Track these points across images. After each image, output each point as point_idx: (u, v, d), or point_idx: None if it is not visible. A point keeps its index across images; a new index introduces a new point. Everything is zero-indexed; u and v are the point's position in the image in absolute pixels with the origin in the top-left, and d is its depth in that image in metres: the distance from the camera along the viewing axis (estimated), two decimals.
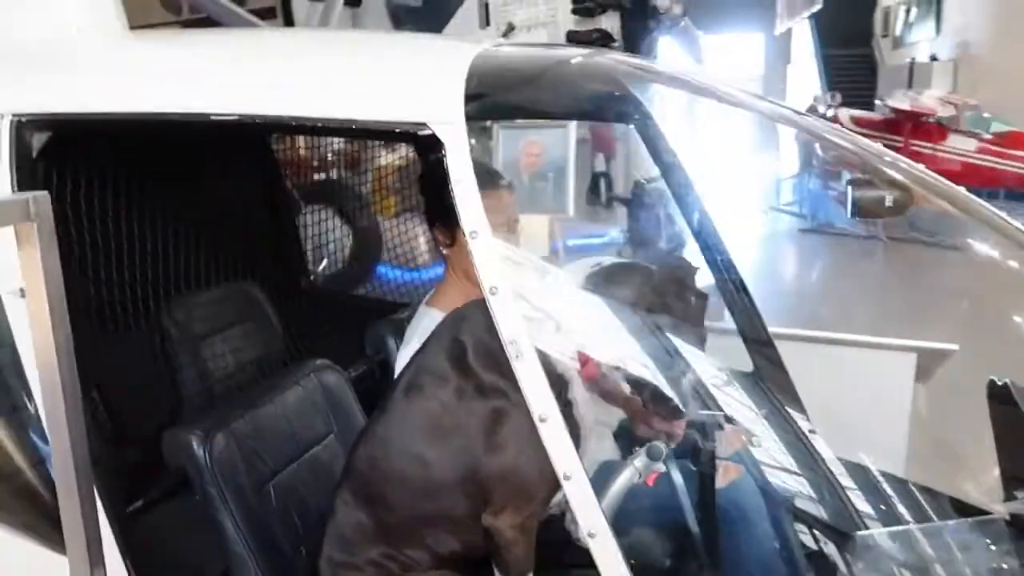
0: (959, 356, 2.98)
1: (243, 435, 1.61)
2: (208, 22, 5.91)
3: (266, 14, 6.79)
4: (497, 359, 1.32)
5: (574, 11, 6.29)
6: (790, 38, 20.02)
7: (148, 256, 2.34)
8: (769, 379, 2.55)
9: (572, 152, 6.24)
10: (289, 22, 6.55)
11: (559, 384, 1.43)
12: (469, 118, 1.19)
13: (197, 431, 1.53)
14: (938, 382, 3.07)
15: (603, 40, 6.34)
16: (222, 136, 1.86)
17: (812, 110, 16.37)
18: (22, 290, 1.16)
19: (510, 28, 6.58)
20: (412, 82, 1.25)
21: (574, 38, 6.40)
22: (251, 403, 1.71)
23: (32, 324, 1.10)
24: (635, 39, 6.43)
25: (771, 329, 3.90)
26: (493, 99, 1.30)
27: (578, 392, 1.46)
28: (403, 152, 4.34)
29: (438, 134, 1.16)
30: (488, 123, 1.45)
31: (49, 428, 1.16)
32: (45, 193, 1.10)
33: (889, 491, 1.70)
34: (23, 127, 1.34)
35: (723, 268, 2.52)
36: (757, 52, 21.15)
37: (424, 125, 1.18)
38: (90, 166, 1.85)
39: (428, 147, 1.21)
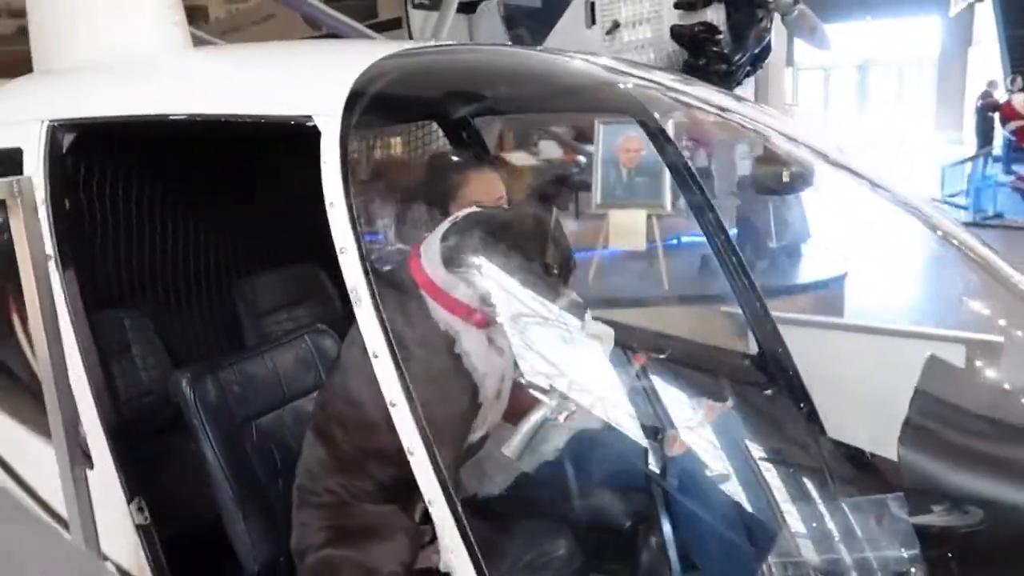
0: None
1: (230, 380, 1.93)
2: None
3: (391, 25, 7.31)
4: None
5: (677, 5, 6.26)
6: (972, 18, 18.35)
7: (223, 238, 2.70)
8: (771, 362, 2.59)
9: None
10: (410, 32, 7.00)
11: (445, 340, 1.62)
12: (350, 111, 1.42)
13: (188, 373, 1.87)
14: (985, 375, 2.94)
15: (707, 33, 6.28)
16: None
17: (986, 96, 14.95)
18: None
19: (615, 26, 6.67)
20: (308, 81, 1.50)
21: (678, 32, 6.38)
22: (244, 355, 2.03)
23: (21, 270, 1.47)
24: (742, 31, 6.30)
25: (826, 319, 3.82)
26: (383, 96, 1.50)
27: (467, 344, 1.64)
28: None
29: (319, 124, 1.40)
30: (371, 118, 1.58)
31: (36, 347, 1.54)
32: (29, 177, 1.46)
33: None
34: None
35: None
36: (932, 35, 19.52)
37: (309, 117, 1.42)
38: (144, 162, 2.25)
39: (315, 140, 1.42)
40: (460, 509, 1.31)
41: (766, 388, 2.53)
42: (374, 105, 1.48)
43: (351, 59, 1.54)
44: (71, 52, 2.10)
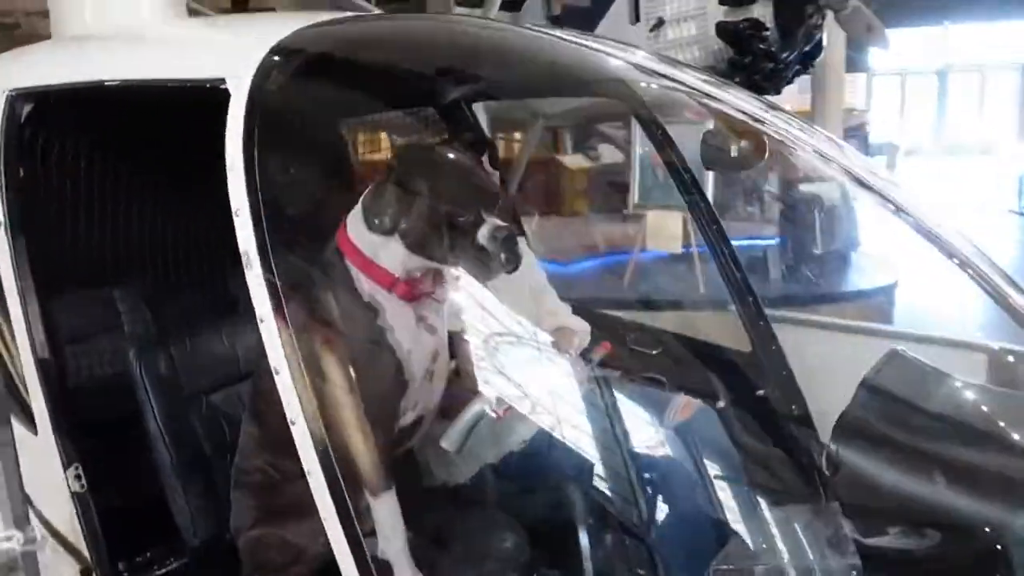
0: None
1: (183, 354, 1.93)
2: None
3: None
4: None
5: (723, 1, 6.10)
6: None
7: (196, 213, 2.58)
8: (766, 359, 2.48)
9: None
10: None
11: (368, 314, 1.56)
12: (262, 75, 1.38)
13: (138, 345, 1.87)
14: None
15: (753, 29, 6.08)
16: None
17: None
18: None
19: (659, 23, 6.54)
20: (235, 47, 1.47)
21: (723, 29, 6.21)
22: (201, 330, 2.02)
23: None
24: (790, 28, 6.08)
25: (847, 322, 3.63)
26: (300, 64, 1.46)
27: (391, 318, 1.57)
28: None
29: (229, 87, 1.37)
30: (281, 83, 1.52)
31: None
32: None
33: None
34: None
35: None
36: (1017, 40, 18.56)
37: (223, 80, 1.39)
38: (105, 134, 2.22)
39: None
40: (342, 484, 1.25)
41: (756, 387, 2.41)
42: (295, 72, 1.44)
43: (283, 27, 1.51)
44: (81, 25, 2.12)
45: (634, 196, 6.24)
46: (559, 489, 1.84)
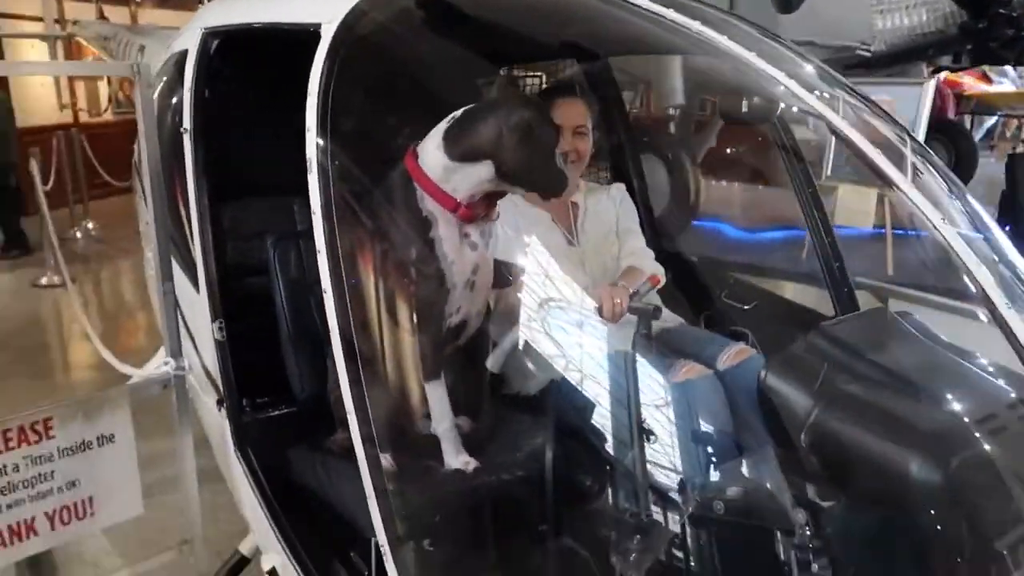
0: None
1: (302, 250, 2.38)
2: None
3: None
4: None
5: None
6: None
7: None
8: None
9: (925, 116, 5.58)
10: None
11: (423, 224, 1.88)
12: (350, 23, 1.73)
13: (273, 239, 2.36)
14: None
15: None
16: None
17: None
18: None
19: None
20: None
21: None
22: None
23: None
24: None
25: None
26: (384, 17, 1.76)
27: (441, 230, 1.88)
28: None
29: (321, 32, 1.73)
30: (364, 31, 1.79)
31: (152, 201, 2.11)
32: (147, 63, 2.00)
33: None
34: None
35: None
36: None
37: (319, 25, 1.75)
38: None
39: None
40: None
41: None
42: (378, 22, 1.77)
43: None
44: None
45: (827, 168, 5.90)
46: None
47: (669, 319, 2.52)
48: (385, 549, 1.53)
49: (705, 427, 2.00)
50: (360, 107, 1.79)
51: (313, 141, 1.65)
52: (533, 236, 2.32)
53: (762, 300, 2.72)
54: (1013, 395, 1.31)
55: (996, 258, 1.40)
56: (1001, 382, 1.34)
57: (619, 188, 2.71)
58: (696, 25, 1.67)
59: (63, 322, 6.41)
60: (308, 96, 1.68)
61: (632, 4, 1.75)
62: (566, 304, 2.07)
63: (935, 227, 1.28)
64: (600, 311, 2.08)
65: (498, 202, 2.15)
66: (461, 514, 1.88)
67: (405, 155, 1.90)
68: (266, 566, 2.15)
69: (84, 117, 11.54)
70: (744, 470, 1.55)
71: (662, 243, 2.96)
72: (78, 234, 9.53)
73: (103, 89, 11.88)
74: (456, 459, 2.01)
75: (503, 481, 1.94)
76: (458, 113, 1.87)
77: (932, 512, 1.26)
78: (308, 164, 1.65)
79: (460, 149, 1.85)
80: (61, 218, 9.11)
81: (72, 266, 7.87)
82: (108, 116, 11.66)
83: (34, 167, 6.88)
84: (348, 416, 1.59)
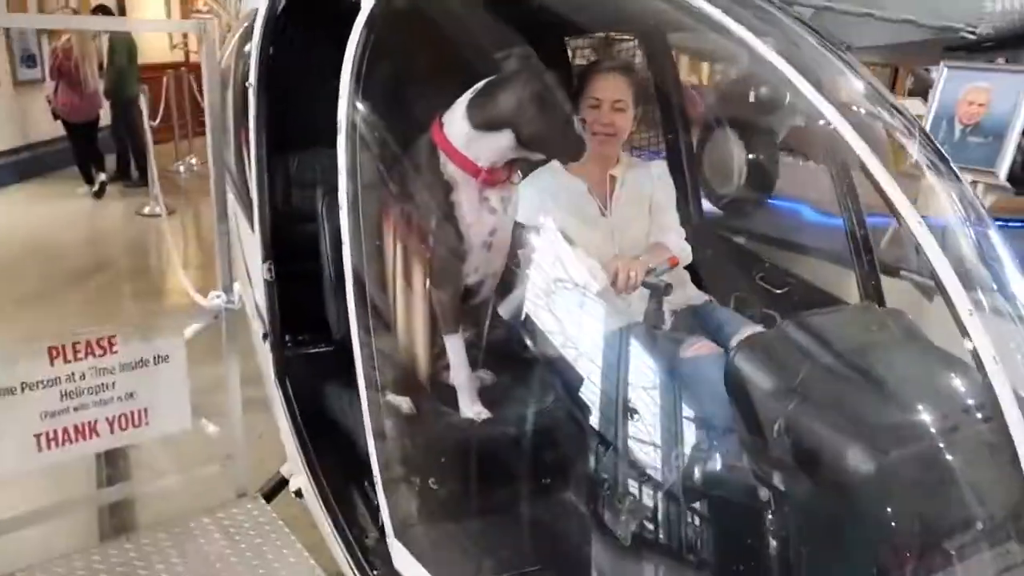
0: None
1: None
2: None
3: None
4: None
5: None
6: None
7: None
8: None
9: None
10: None
11: (445, 188, 2.01)
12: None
13: (322, 190, 2.54)
14: None
15: None
16: None
17: None
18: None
19: None
20: None
21: None
22: None
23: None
24: None
25: None
26: None
27: (461, 194, 2.00)
28: None
29: (361, 4, 1.86)
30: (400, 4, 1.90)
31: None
32: (213, 20, 2.17)
33: None
34: None
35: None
36: None
37: None
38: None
39: None
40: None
41: None
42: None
43: None
44: None
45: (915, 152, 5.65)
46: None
47: (696, 297, 2.58)
48: (378, 484, 1.70)
49: (706, 404, 2.08)
50: (391, 77, 1.92)
51: (345, 106, 1.80)
52: (567, 204, 2.43)
53: (795, 285, 2.73)
54: (973, 400, 1.34)
55: (976, 256, 1.43)
56: (968, 386, 1.37)
57: (659, 165, 2.76)
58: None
59: (161, 249, 6.93)
60: (343, 64, 1.82)
61: None
62: (582, 272, 2.16)
63: (901, 214, 1.32)
64: (614, 282, 2.17)
65: (539, 168, 2.26)
66: (464, 459, 2.04)
67: (432, 123, 2.04)
68: (294, 487, 2.38)
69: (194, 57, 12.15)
70: (715, 447, 1.63)
71: (702, 221, 3.00)
72: (181, 168, 10.13)
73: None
74: (471, 408, 2.16)
75: (506, 433, 2.08)
76: (480, 85, 1.98)
77: (872, 505, 1.32)
78: (339, 126, 1.80)
79: (482, 119, 1.96)
80: (167, 152, 9.72)
81: (174, 197, 8.45)
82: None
83: (143, 103, 7.37)
84: (355, 360, 1.76)
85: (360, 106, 1.81)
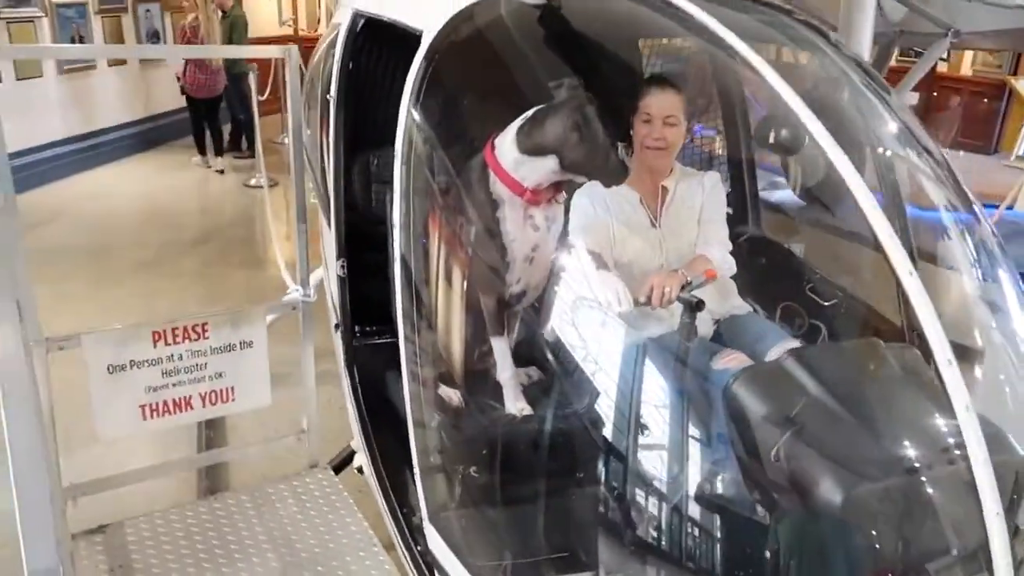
0: None
1: None
2: None
3: None
4: None
5: None
6: None
7: None
8: None
9: None
10: None
11: (493, 204, 2.19)
12: (446, 33, 2.02)
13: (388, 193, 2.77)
14: None
15: None
16: None
17: None
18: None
19: None
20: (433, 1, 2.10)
21: None
22: None
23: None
24: None
25: None
26: (473, 29, 2.03)
27: (507, 211, 2.18)
28: None
29: (422, 38, 2.04)
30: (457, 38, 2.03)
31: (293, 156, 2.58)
32: (295, 47, 2.42)
33: None
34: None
35: None
36: None
37: (420, 31, 2.06)
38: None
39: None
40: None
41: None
42: (474, 35, 2.05)
43: None
44: None
45: (1019, 148, 5.37)
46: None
47: (739, 307, 2.67)
48: (416, 470, 1.93)
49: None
50: (448, 101, 2.11)
51: (403, 133, 2.00)
52: (619, 214, 2.57)
53: (842, 298, 2.77)
54: (952, 440, 1.42)
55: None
56: (946, 428, 1.45)
57: (712, 176, 2.84)
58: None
59: (264, 220, 7.44)
60: (404, 93, 2.02)
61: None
62: (617, 285, 2.30)
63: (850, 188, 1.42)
64: (650, 297, 2.31)
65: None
66: (498, 451, 2.25)
67: (485, 144, 2.22)
68: (356, 464, 2.66)
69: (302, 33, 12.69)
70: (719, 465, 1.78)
71: (757, 229, 3.05)
72: (285, 140, 10.67)
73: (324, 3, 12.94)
74: (515, 405, 2.37)
75: (540, 430, 2.27)
76: (529, 113, 2.14)
77: (840, 534, 1.44)
78: (395, 153, 2.01)
79: (529, 145, 2.13)
80: (273, 124, 10.28)
81: (278, 170, 8.98)
82: (324, 29, 12.72)
83: (251, 79, 7.83)
84: (400, 354, 1.99)
85: (417, 132, 2.01)
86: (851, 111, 2.08)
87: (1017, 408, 1.68)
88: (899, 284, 1.46)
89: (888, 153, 2.14)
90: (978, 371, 1.66)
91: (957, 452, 1.38)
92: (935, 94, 10.57)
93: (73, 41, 9.04)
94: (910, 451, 1.42)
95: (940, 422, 1.42)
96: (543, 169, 2.17)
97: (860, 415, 1.50)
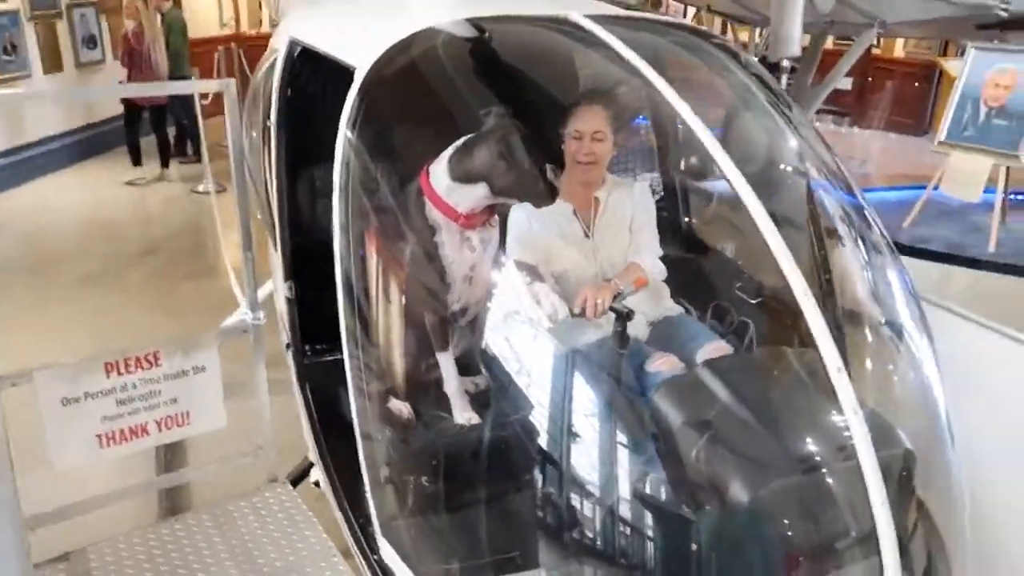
0: None
1: None
2: None
3: None
4: None
5: None
6: None
7: None
8: None
9: None
10: None
11: (430, 230, 2.30)
12: (377, 68, 2.12)
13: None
14: None
15: None
16: None
17: None
18: None
19: None
20: (372, 33, 2.20)
21: None
22: None
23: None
24: None
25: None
26: (403, 65, 2.14)
27: (444, 236, 2.30)
28: None
29: (355, 76, 2.13)
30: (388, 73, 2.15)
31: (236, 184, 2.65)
32: (231, 81, 2.50)
33: None
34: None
35: None
36: None
37: (353, 68, 2.15)
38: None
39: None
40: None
41: None
42: (404, 71, 2.16)
43: (408, 24, 2.21)
44: None
45: (942, 132, 5.63)
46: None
47: (671, 308, 2.83)
48: (366, 483, 2.05)
49: None
50: (382, 135, 2.21)
51: (339, 165, 2.10)
52: (554, 226, 2.69)
53: (769, 295, 2.94)
54: (846, 442, 1.59)
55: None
56: (836, 429, 1.62)
57: (642, 184, 2.98)
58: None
59: (214, 228, 7.41)
60: (340, 125, 2.12)
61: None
62: (554, 296, 2.43)
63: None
64: (583, 309, 2.45)
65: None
66: (444, 461, 2.37)
67: (420, 173, 2.33)
68: (313, 478, 2.76)
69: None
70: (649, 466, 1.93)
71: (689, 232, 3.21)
72: None
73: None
74: (462, 415, 2.49)
75: (485, 440, 2.40)
76: (459, 142, 2.26)
77: (758, 526, 1.60)
78: (334, 184, 2.11)
79: (460, 173, 2.25)
80: (218, 125, 10.17)
81: (227, 177, 8.90)
82: (266, 29, 12.59)
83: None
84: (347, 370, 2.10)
85: (355, 162, 2.11)
86: (750, 126, 2.23)
87: (904, 395, 1.87)
88: (796, 302, 1.62)
89: (787, 168, 2.31)
90: (869, 364, 1.86)
91: (849, 450, 1.56)
92: (870, 78, 10.92)
93: (5, 50, 8.83)
94: (810, 449, 1.59)
95: (835, 423, 1.59)
96: (475, 195, 2.28)
97: (766, 419, 1.66)
